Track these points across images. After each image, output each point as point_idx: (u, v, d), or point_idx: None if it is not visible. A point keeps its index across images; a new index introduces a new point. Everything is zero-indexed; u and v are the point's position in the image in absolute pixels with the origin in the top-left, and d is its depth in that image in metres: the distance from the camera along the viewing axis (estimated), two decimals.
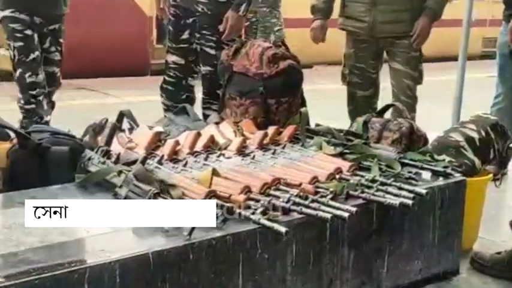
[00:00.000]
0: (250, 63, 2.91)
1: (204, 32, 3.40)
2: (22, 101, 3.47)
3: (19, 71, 3.45)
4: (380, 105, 3.52)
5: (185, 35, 3.49)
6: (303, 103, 2.98)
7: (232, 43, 3.35)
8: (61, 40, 3.64)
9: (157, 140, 2.29)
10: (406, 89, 3.48)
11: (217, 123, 2.68)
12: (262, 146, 2.41)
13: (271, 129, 2.56)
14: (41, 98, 3.44)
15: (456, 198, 2.41)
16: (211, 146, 2.35)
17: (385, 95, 3.68)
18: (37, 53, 3.45)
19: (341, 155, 2.43)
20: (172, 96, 3.56)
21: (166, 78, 3.61)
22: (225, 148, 2.36)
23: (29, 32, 3.42)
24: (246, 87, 2.90)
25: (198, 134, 2.31)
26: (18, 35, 3.42)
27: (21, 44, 3.42)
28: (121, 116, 2.68)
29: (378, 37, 3.48)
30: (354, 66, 3.56)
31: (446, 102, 4.44)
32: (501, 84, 4.16)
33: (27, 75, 3.42)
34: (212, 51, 3.37)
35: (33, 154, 2.21)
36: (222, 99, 2.99)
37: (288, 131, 2.58)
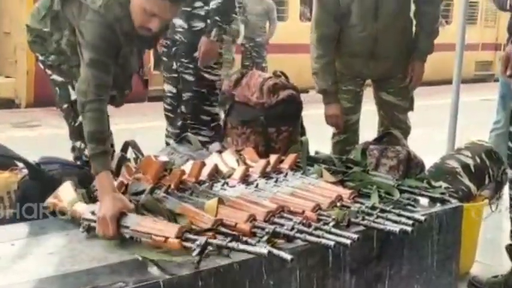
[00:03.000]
0: (251, 93, 3.00)
1: (182, 60, 3.57)
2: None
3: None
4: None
5: (174, 65, 3.64)
6: (303, 132, 3.06)
7: (211, 70, 3.52)
8: None
9: (163, 170, 2.35)
10: (397, 122, 3.41)
11: (219, 152, 2.75)
12: (264, 174, 2.48)
13: (273, 158, 2.63)
14: None
15: (453, 224, 2.48)
16: (216, 175, 2.41)
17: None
18: None
19: (341, 182, 2.51)
20: (172, 123, 3.72)
21: (165, 105, 3.78)
22: (229, 177, 2.42)
23: None
24: (247, 116, 2.98)
25: (203, 164, 2.38)
26: None
27: None
28: (126, 145, 2.75)
29: None
30: (343, 91, 3.42)
31: (441, 125, 4.52)
32: (502, 111, 4.26)
33: None
34: (191, 78, 3.55)
35: (44, 185, 2.27)
36: (224, 128, 3.08)
37: (289, 159, 2.64)
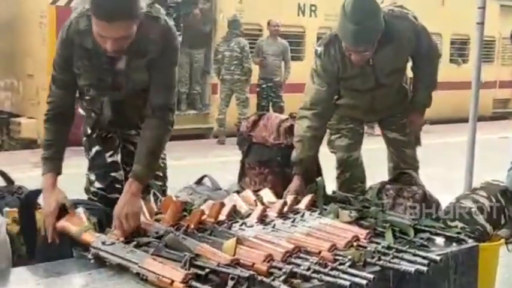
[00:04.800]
0: (269, 133, 3.08)
1: None
2: None
3: None
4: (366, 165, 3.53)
5: None
6: (319, 172, 3.11)
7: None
8: None
9: (183, 210, 2.41)
10: (406, 157, 3.43)
11: (238, 192, 2.81)
12: (282, 215, 2.53)
13: (289, 198, 2.68)
14: None
15: (470, 264, 2.49)
16: (234, 215, 2.47)
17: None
18: None
19: (357, 222, 2.55)
20: None
21: None
22: (247, 217, 2.47)
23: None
24: (264, 156, 3.06)
25: (222, 204, 2.43)
26: None
27: None
28: (147, 187, 2.82)
29: None
30: (344, 129, 3.43)
31: (458, 164, 4.50)
32: None
33: None
34: None
35: None
36: (242, 168, 3.14)
37: (306, 199, 2.69)
